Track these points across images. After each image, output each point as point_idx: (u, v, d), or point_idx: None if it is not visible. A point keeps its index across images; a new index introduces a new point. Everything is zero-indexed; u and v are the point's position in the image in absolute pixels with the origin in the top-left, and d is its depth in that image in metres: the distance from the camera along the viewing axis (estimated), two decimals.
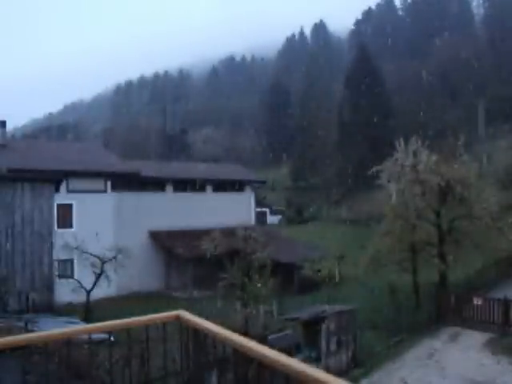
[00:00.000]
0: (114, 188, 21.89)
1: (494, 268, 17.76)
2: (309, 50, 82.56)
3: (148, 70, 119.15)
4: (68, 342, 2.19)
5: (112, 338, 2.71)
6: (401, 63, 58.07)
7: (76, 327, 2.45)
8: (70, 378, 3.74)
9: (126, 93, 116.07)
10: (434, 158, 15.74)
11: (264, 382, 1.72)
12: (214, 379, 7.81)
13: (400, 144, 16.71)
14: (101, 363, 5.42)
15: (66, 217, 19.30)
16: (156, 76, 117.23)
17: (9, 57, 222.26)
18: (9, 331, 7.34)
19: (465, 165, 15.78)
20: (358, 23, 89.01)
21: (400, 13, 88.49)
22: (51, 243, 12.22)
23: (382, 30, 79.51)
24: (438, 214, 15.44)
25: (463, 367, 10.29)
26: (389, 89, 50.54)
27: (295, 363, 1.47)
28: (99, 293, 15.65)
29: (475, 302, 12.98)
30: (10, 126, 25.95)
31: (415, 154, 16.35)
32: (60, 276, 15.39)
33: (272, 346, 1.82)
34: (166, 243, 22.18)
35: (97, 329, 2.26)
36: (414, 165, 16.14)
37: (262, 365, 1.57)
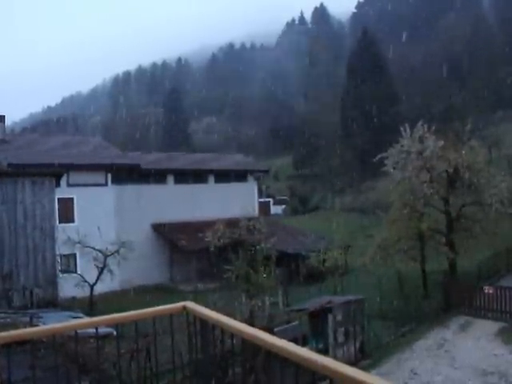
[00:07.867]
0: (114, 181, 21.62)
1: (506, 256, 17.40)
2: (309, 35, 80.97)
3: (146, 60, 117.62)
4: (74, 336, 2.15)
5: (114, 333, 2.55)
6: (405, 46, 56.70)
7: (82, 321, 2.33)
8: (77, 372, 3.62)
9: (124, 84, 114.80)
10: (440, 143, 15.27)
11: (274, 371, 1.68)
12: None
13: (405, 130, 16.22)
14: (106, 357, 5.28)
15: (67, 211, 19.11)
16: (154, 66, 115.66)
17: (5, 51, 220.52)
18: (14, 327, 7.19)
19: (473, 150, 15.31)
20: (359, 6, 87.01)
21: None
22: (54, 238, 12.05)
23: (385, 12, 77.59)
24: (446, 201, 15.08)
25: (474, 357, 10.08)
26: (393, 73, 49.47)
27: (306, 352, 1.46)
28: (103, 287, 15.56)
29: (486, 291, 12.73)
30: (8, 121, 25.59)
31: (421, 139, 15.87)
32: (63, 271, 15.27)
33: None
34: (168, 236, 22.00)
35: (103, 322, 2.22)
36: (419, 151, 15.69)
37: (273, 354, 1.55)
